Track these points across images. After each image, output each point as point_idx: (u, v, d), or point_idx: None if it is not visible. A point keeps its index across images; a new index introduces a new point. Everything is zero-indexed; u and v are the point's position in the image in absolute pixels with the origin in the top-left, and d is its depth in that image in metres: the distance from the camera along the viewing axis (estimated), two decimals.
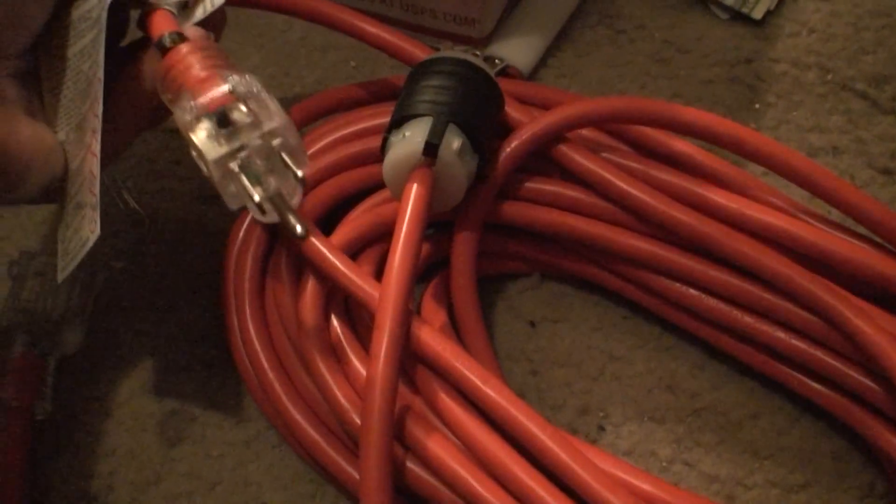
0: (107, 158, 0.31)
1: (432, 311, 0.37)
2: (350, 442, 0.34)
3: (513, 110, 0.38)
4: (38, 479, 0.37)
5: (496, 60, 0.43)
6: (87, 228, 0.31)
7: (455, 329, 0.37)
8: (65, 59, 0.33)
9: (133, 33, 0.34)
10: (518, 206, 0.38)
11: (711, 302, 0.36)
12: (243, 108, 0.29)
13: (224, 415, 0.38)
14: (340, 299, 0.36)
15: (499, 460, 0.31)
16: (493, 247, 0.39)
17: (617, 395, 0.37)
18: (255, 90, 0.29)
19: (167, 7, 0.33)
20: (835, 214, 0.37)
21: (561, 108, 0.37)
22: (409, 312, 0.33)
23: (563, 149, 0.37)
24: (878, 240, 0.35)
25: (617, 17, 0.47)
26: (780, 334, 0.35)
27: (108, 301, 0.40)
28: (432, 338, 0.33)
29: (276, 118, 0.29)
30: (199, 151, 0.28)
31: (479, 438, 0.32)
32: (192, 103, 0.29)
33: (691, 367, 0.38)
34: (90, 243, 0.30)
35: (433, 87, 0.36)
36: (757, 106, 0.44)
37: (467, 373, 0.33)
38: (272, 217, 0.29)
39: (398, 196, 0.34)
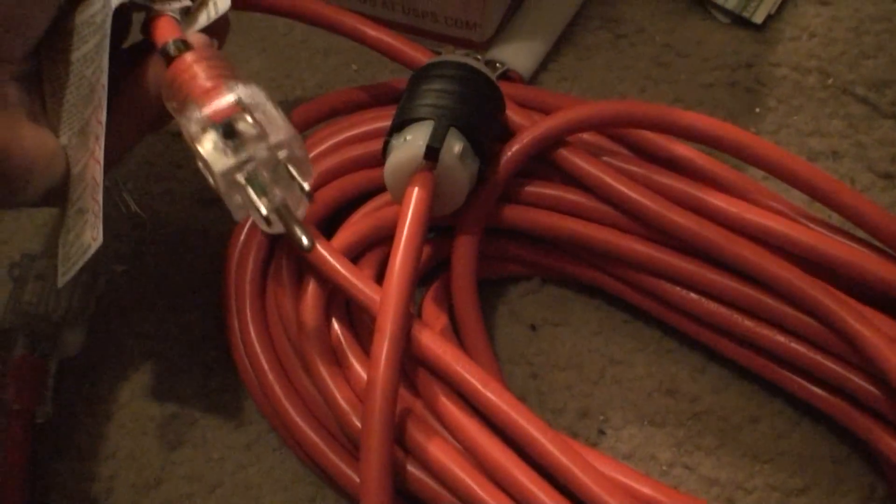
0: (109, 162, 0.31)
1: (433, 315, 0.37)
2: (350, 445, 0.34)
3: (514, 114, 0.38)
4: (39, 481, 0.37)
5: (497, 64, 0.43)
6: (89, 235, 0.31)
7: (456, 332, 0.37)
8: (68, 64, 0.33)
9: (134, 34, 0.34)
10: (519, 209, 0.38)
11: (712, 305, 0.36)
12: (249, 119, 0.29)
13: (224, 418, 0.38)
14: (341, 302, 0.36)
15: (499, 463, 0.31)
16: (494, 250, 0.39)
17: (617, 398, 0.37)
18: (260, 101, 0.29)
19: (171, 14, 0.33)
20: (835, 218, 0.37)
21: (562, 111, 0.37)
22: (410, 315, 0.33)
23: (564, 152, 0.37)
24: (878, 244, 0.35)
25: (618, 21, 0.47)
26: (780, 338, 0.35)
27: (108, 303, 0.40)
28: (433, 341, 0.33)
29: (282, 130, 0.29)
30: (206, 163, 0.28)
31: (479, 442, 0.32)
32: (198, 114, 0.29)
33: (691, 371, 0.38)
34: (92, 250, 0.30)
35: (434, 90, 0.36)
36: (757, 110, 0.44)
37: (468, 376, 0.33)
38: (278, 228, 0.29)
39: (399, 200, 0.34)
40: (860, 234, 0.36)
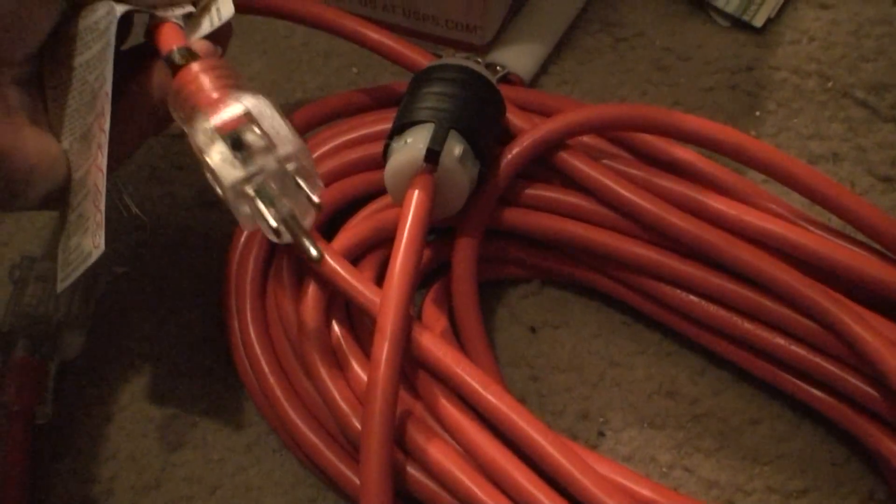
0: (110, 166, 0.31)
1: (433, 317, 0.37)
2: (350, 447, 0.34)
3: (514, 117, 0.38)
4: (39, 482, 0.37)
5: (497, 67, 0.44)
6: (91, 242, 0.31)
7: (456, 334, 0.37)
8: (71, 69, 0.33)
9: (134, 35, 0.34)
10: (519, 212, 0.38)
11: (711, 308, 0.36)
12: (257, 130, 0.29)
13: (224, 419, 0.38)
14: (341, 304, 0.36)
15: (499, 465, 0.31)
16: (494, 252, 0.39)
17: (617, 400, 0.38)
18: (267, 111, 0.29)
19: (174, 20, 0.33)
20: (834, 221, 0.37)
21: (562, 114, 0.37)
22: (410, 318, 0.33)
23: (565, 155, 0.37)
24: (878, 247, 0.35)
25: (618, 25, 0.47)
26: (780, 340, 0.35)
27: (109, 306, 0.41)
28: (433, 343, 0.33)
29: (290, 142, 0.29)
30: (215, 174, 0.28)
31: (479, 444, 0.32)
32: (206, 125, 0.29)
33: (691, 373, 0.38)
34: (93, 258, 0.30)
35: (435, 93, 0.36)
36: (757, 113, 0.44)
37: (468, 378, 0.33)
38: (286, 239, 0.29)
39: (399, 202, 0.35)
40: (860, 237, 0.36)
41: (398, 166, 0.35)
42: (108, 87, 0.31)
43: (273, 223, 0.28)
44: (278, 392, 0.36)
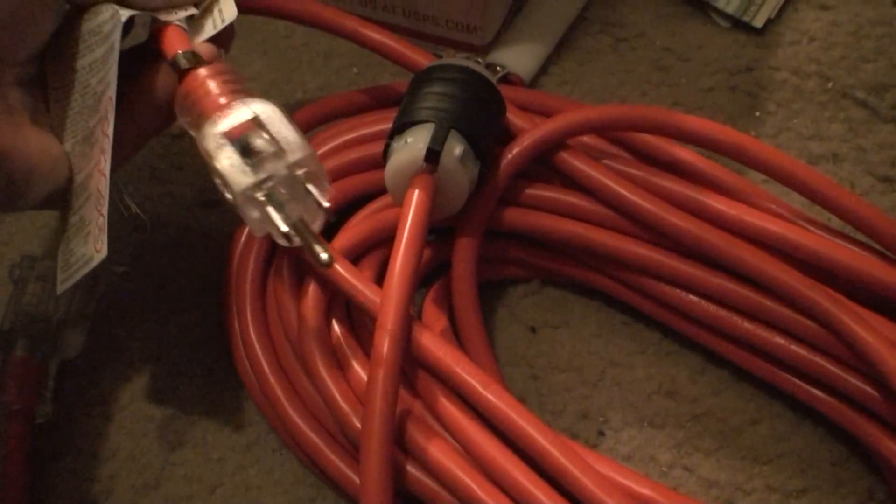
0: (111, 166, 0.31)
1: (433, 316, 0.37)
2: (350, 446, 0.34)
3: (514, 117, 0.38)
4: (39, 482, 0.37)
5: (497, 67, 0.44)
6: (93, 247, 0.31)
7: (456, 334, 0.37)
8: (73, 71, 0.33)
9: (135, 34, 0.34)
10: (519, 212, 0.38)
11: (711, 308, 0.36)
12: (265, 135, 0.29)
13: (224, 419, 0.38)
14: (342, 304, 0.36)
15: (499, 464, 0.31)
16: (494, 252, 0.39)
17: (617, 400, 0.38)
18: (275, 116, 0.29)
19: (178, 23, 0.33)
20: (834, 222, 0.37)
21: (562, 115, 0.37)
22: (410, 317, 0.33)
23: (565, 156, 0.37)
24: (878, 247, 0.35)
25: (618, 26, 0.47)
26: (780, 340, 0.35)
27: (109, 305, 0.41)
28: (433, 343, 0.33)
29: (300, 148, 0.29)
30: (225, 180, 0.28)
31: (479, 443, 0.32)
32: (214, 130, 0.29)
33: (691, 373, 0.38)
34: (95, 262, 0.30)
35: (435, 93, 0.36)
36: (757, 114, 0.44)
37: (468, 377, 0.33)
38: (296, 243, 0.29)
39: (400, 202, 0.35)
40: (860, 237, 0.36)
41: (398, 166, 0.35)
42: (112, 92, 0.31)
43: (284, 228, 0.28)
44: (278, 391, 0.36)
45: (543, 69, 0.45)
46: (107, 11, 0.32)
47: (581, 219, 0.37)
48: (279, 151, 0.29)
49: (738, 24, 0.46)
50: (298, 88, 0.46)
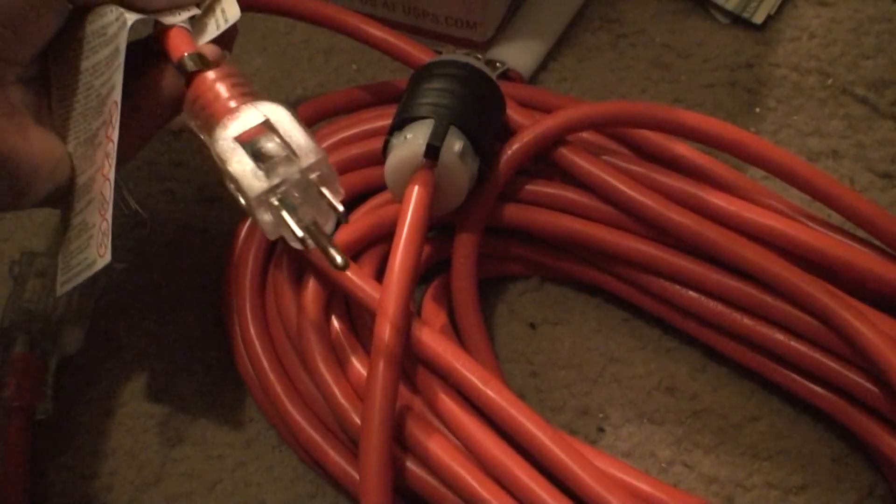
0: (115, 166, 0.31)
1: (433, 313, 0.37)
2: (350, 442, 0.34)
3: (514, 113, 0.38)
4: (39, 478, 0.37)
5: (497, 64, 0.44)
6: (95, 251, 0.31)
7: (455, 331, 0.37)
8: (77, 72, 0.33)
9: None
10: (519, 208, 0.38)
11: (711, 304, 0.36)
12: (277, 138, 0.29)
13: (224, 415, 0.38)
14: (341, 301, 0.36)
15: (499, 461, 0.31)
16: (494, 249, 0.39)
17: (617, 396, 0.38)
18: (286, 120, 0.29)
19: (182, 24, 0.33)
20: (834, 218, 0.37)
21: (562, 111, 0.37)
22: (410, 314, 0.33)
23: (565, 152, 0.37)
24: (878, 243, 0.35)
25: (618, 22, 0.47)
26: (780, 337, 0.35)
27: (108, 302, 0.41)
28: (433, 339, 0.33)
29: (313, 151, 0.29)
30: (239, 185, 0.28)
31: (479, 439, 0.32)
32: (225, 134, 0.29)
33: (691, 370, 0.38)
34: (97, 266, 0.30)
35: (435, 89, 0.36)
36: (757, 110, 0.44)
37: (467, 374, 0.33)
38: (310, 246, 0.29)
39: (399, 198, 0.35)
40: (860, 233, 0.36)
41: (398, 162, 0.35)
42: (118, 96, 0.31)
43: (299, 233, 0.28)
44: (278, 388, 0.36)
45: (543, 66, 0.45)
46: (111, 14, 0.32)
47: (581, 215, 0.37)
48: (291, 154, 0.29)
49: (738, 21, 0.46)
50: (298, 85, 0.46)
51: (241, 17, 0.34)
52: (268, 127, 0.29)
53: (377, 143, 0.37)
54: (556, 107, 0.39)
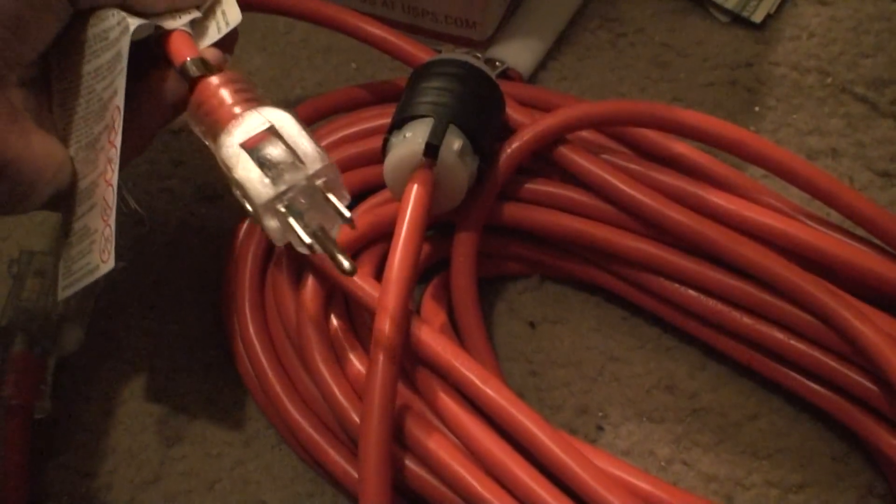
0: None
1: (432, 312, 0.37)
2: (349, 441, 0.34)
3: (514, 112, 0.38)
4: (38, 477, 0.37)
5: (497, 63, 0.44)
6: (98, 256, 0.31)
7: (455, 329, 0.37)
8: (79, 76, 0.33)
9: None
10: (518, 207, 0.38)
11: (711, 303, 0.36)
12: (282, 144, 0.29)
13: (223, 414, 0.38)
14: (340, 299, 0.36)
15: (498, 460, 0.31)
16: (494, 248, 0.39)
17: (616, 395, 0.37)
18: (291, 125, 0.29)
19: (183, 28, 0.32)
20: (834, 217, 0.37)
21: (562, 109, 0.37)
22: (409, 312, 0.33)
23: (564, 151, 0.37)
24: (877, 242, 0.35)
25: (617, 21, 0.47)
26: (779, 335, 0.35)
27: (108, 301, 0.41)
28: (432, 338, 0.33)
29: (318, 158, 0.29)
30: (245, 191, 0.29)
31: (478, 438, 0.32)
32: (230, 140, 0.29)
33: (690, 368, 0.38)
34: (101, 272, 0.30)
35: (434, 88, 0.36)
36: (757, 109, 0.44)
37: (467, 373, 0.33)
38: (318, 251, 0.29)
39: (398, 197, 0.34)
40: (859, 232, 0.36)
41: (397, 161, 0.35)
42: (120, 101, 0.31)
43: (307, 239, 0.28)
44: (277, 387, 0.36)
45: (542, 65, 0.45)
46: (113, 18, 0.32)
47: (580, 214, 0.37)
48: (297, 160, 0.29)
49: (738, 20, 0.46)
50: (297, 84, 0.46)
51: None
52: (273, 133, 0.29)
53: (376, 142, 0.37)
54: (556, 106, 0.39)
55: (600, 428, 0.37)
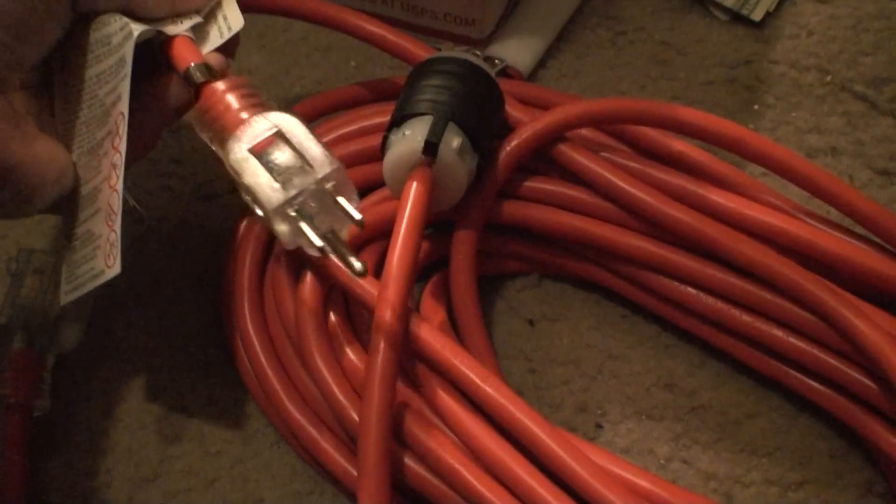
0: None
1: (431, 310, 0.37)
2: (348, 439, 0.34)
3: (513, 110, 0.38)
4: (37, 475, 0.37)
5: (496, 61, 0.44)
6: (103, 261, 0.31)
7: (454, 327, 0.37)
8: (81, 81, 0.33)
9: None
10: (518, 205, 0.38)
11: (710, 301, 0.36)
12: (290, 149, 0.29)
13: (222, 413, 0.38)
14: (339, 297, 0.36)
15: (497, 458, 0.31)
16: (493, 246, 0.39)
17: (615, 393, 0.37)
18: (298, 129, 0.29)
19: (186, 33, 0.32)
20: (833, 215, 0.37)
21: (561, 107, 0.37)
22: (408, 310, 0.33)
23: (563, 148, 0.37)
24: (877, 240, 0.35)
25: (617, 19, 0.47)
26: (779, 333, 0.35)
27: (107, 299, 0.40)
28: (431, 336, 0.33)
29: (327, 162, 0.29)
30: (255, 197, 0.29)
31: (477, 436, 0.32)
32: (238, 146, 0.29)
33: (689, 366, 0.38)
34: (106, 277, 0.30)
35: (433, 86, 0.36)
36: (756, 107, 0.44)
37: (466, 370, 0.33)
38: (329, 253, 0.29)
39: (398, 195, 0.34)
40: (859, 230, 0.36)
41: (396, 159, 0.35)
42: (124, 107, 0.31)
43: (318, 242, 0.28)
44: (276, 385, 0.35)
45: (542, 63, 0.45)
46: (116, 23, 0.32)
47: (580, 212, 0.37)
48: (305, 164, 0.29)
49: (737, 18, 0.46)
50: (296, 82, 0.46)
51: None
52: (281, 138, 0.29)
53: (375, 140, 0.37)
54: (555, 104, 0.39)
55: (599, 426, 0.37)
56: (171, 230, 0.42)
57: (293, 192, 0.28)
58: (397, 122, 0.35)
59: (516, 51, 0.44)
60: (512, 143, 0.37)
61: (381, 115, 0.39)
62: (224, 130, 0.30)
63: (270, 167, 0.28)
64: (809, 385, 0.35)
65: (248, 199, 0.29)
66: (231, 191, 0.42)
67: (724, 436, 0.36)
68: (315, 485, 0.36)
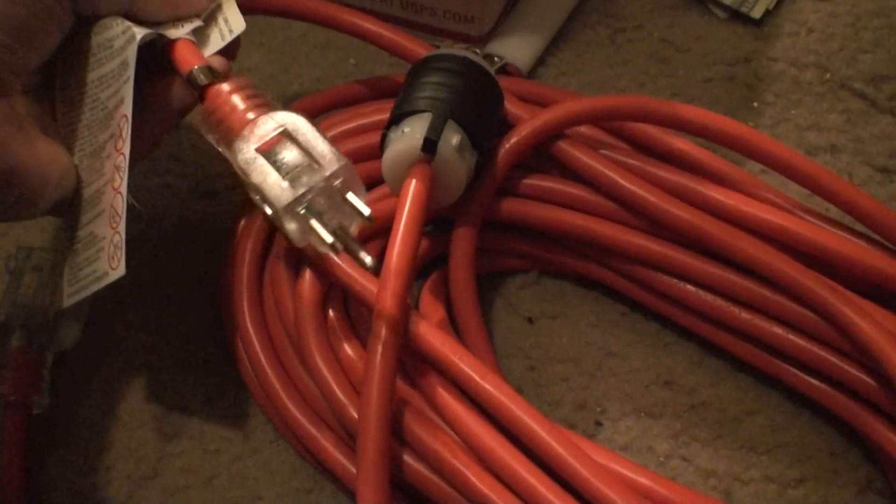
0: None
1: (430, 307, 0.37)
2: (347, 437, 0.34)
3: (512, 107, 0.38)
4: (36, 473, 0.37)
5: (495, 58, 0.44)
6: (107, 263, 0.31)
7: (453, 325, 0.37)
8: (83, 84, 0.33)
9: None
10: (517, 202, 0.38)
11: (709, 298, 0.36)
12: (297, 148, 0.29)
13: (221, 410, 0.38)
14: (339, 295, 0.36)
15: (496, 455, 0.31)
16: (492, 243, 0.39)
17: (614, 390, 0.37)
18: (304, 127, 0.29)
19: (187, 37, 0.32)
20: (833, 212, 0.37)
21: (560, 104, 0.37)
22: (408, 308, 0.33)
23: (563, 146, 0.37)
24: (876, 237, 0.35)
25: (616, 17, 0.47)
26: (778, 330, 0.35)
27: (106, 296, 0.40)
28: (430, 333, 0.33)
29: (335, 159, 0.29)
30: (265, 196, 0.29)
31: (476, 433, 0.32)
32: (245, 146, 0.29)
33: (689, 363, 0.38)
34: (111, 278, 0.31)
35: (432, 83, 0.36)
36: (755, 105, 0.44)
37: (465, 368, 0.32)
38: (339, 250, 0.29)
39: (397, 192, 0.34)
40: (858, 227, 0.36)
41: (395, 156, 0.35)
42: (127, 110, 0.31)
43: (329, 239, 0.28)
44: (275, 382, 0.35)
45: (541, 60, 0.45)
46: (118, 26, 0.32)
47: (579, 209, 0.37)
48: (312, 162, 0.29)
49: (737, 16, 0.46)
50: (295, 80, 0.46)
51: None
52: (287, 136, 0.29)
53: (374, 138, 0.37)
54: (554, 101, 0.39)
55: (599, 423, 0.37)
56: (169, 228, 0.42)
57: (302, 190, 0.28)
58: (396, 119, 0.35)
59: (515, 48, 0.44)
60: (511, 141, 0.37)
61: (380, 113, 0.39)
62: (230, 131, 0.30)
63: (278, 166, 0.29)
64: (809, 382, 0.35)
65: (256, 198, 0.29)
66: (232, 188, 0.42)
67: (723, 433, 0.36)
68: (314, 482, 0.36)
